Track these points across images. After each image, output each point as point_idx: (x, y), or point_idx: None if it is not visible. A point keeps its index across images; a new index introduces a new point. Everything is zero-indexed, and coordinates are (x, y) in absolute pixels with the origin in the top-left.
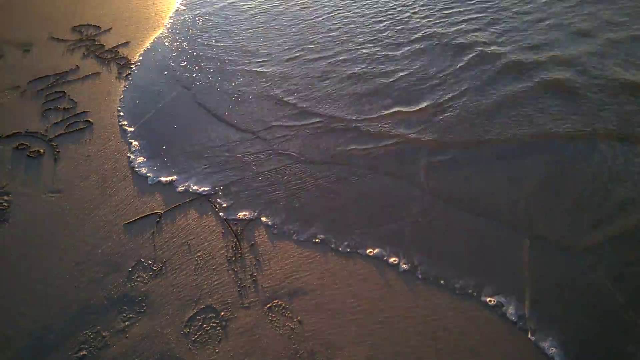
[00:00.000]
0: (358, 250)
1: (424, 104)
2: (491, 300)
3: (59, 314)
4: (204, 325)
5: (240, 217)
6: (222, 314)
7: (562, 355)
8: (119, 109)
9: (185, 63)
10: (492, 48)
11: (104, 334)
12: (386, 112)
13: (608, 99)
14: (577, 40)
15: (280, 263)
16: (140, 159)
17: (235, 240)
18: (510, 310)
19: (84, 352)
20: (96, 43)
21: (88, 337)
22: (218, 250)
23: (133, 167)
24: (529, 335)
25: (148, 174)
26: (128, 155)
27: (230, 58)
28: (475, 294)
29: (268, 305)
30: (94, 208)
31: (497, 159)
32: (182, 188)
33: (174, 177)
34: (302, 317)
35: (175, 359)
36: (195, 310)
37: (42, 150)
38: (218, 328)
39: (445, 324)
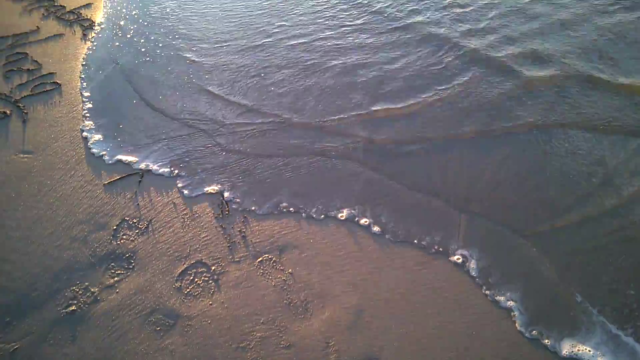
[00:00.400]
0: (330, 214)
1: (385, 106)
2: (459, 258)
3: (43, 271)
4: (196, 279)
5: (209, 191)
6: (213, 268)
7: (518, 307)
8: (83, 76)
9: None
10: (464, 41)
11: (92, 289)
12: (346, 114)
13: (571, 92)
14: (550, 35)
15: (264, 225)
16: (98, 137)
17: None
18: (472, 266)
19: (74, 307)
20: (55, 4)
21: (76, 293)
22: (204, 209)
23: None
24: (485, 290)
25: (102, 153)
26: (82, 130)
27: (179, 44)
28: (441, 249)
29: (259, 259)
30: (70, 169)
31: (464, 152)
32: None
33: (134, 158)
34: (293, 270)
35: (170, 311)
36: (185, 266)
37: (8, 112)
38: (210, 281)
39: (416, 277)
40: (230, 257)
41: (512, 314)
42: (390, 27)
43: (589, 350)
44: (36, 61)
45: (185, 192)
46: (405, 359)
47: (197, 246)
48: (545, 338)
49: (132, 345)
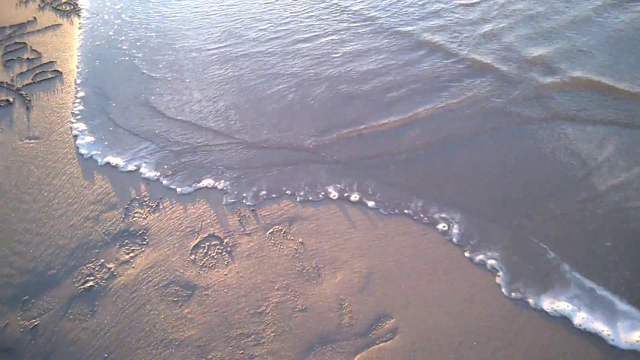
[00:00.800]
0: (320, 195)
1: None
2: (444, 226)
3: (58, 250)
4: (210, 252)
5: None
6: (226, 241)
7: (497, 265)
8: (78, 69)
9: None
10: (447, 46)
11: (108, 265)
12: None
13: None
14: (547, 38)
15: (269, 203)
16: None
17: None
18: (454, 231)
19: (91, 283)
20: None
21: (92, 269)
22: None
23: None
24: (468, 253)
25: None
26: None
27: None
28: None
29: (269, 231)
30: (77, 153)
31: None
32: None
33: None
34: (304, 239)
35: (187, 282)
36: (198, 240)
37: (11, 99)
38: (224, 253)
39: (419, 242)
40: (241, 229)
41: (497, 274)
42: (382, 34)
43: (568, 306)
44: (35, 50)
45: (178, 189)
46: (415, 316)
47: (209, 221)
48: (528, 297)
49: (152, 315)
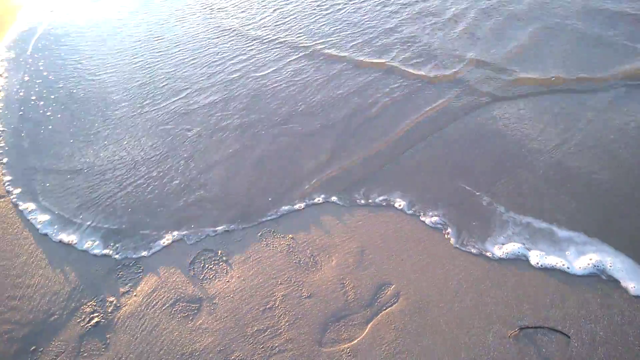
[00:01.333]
0: (284, 208)
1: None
2: (400, 204)
3: (54, 297)
4: (207, 265)
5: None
6: (220, 252)
7: (444, 222)
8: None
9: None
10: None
11: (110, 299)
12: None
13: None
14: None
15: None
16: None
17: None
18: (404, 204)
19: (96, 319)
20: None
21: (94, 307)
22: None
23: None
24: (421, 217)
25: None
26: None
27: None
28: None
29: (259, 234)
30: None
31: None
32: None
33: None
34: (294, 235)
35: (192, 297)
36: (193, 256)
37: None
38: (221, 263)
39: (387, 221)
40: (232, 238)
41: (446, 230)
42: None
43: (514, 245)
44: None
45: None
46: (410, 279)
47: (196, 240)
48: (484, 250)
49: (166, 334)
